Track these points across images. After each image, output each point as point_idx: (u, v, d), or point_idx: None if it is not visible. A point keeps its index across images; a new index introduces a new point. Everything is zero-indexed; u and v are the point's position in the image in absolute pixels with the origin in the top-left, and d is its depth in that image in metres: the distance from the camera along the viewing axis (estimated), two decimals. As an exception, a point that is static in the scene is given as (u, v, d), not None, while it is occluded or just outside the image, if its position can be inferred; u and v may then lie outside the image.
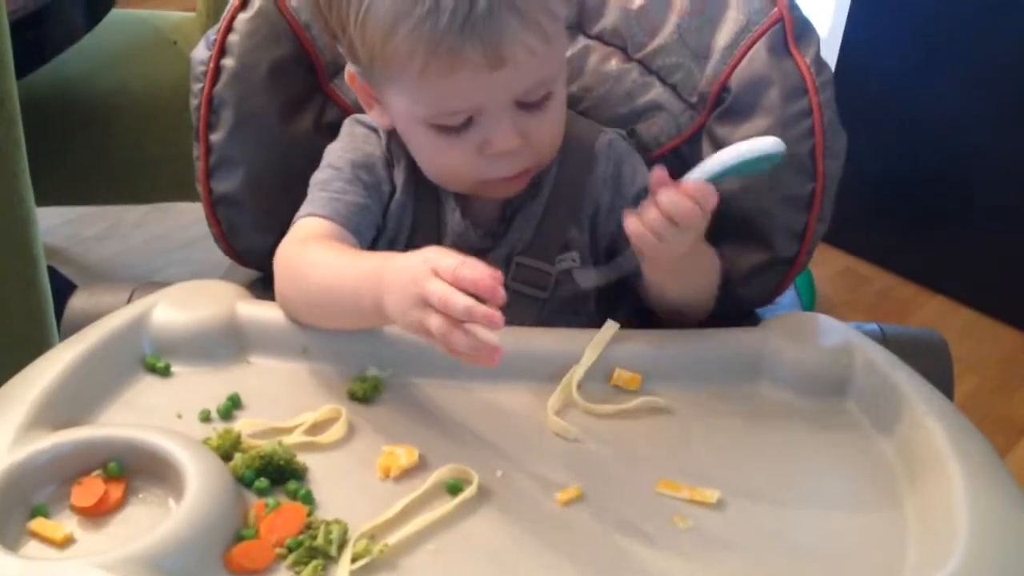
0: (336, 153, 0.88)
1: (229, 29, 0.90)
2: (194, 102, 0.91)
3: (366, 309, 0.72)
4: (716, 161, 0.74)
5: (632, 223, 0.76)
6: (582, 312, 0.91)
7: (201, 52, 0.91)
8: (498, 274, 0.65)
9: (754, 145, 0.73)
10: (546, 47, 0.76)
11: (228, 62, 0.90)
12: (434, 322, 0.65)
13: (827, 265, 2.09)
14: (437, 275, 0.65)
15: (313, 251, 0.80)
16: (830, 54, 1.57)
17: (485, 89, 0.75)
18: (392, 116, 0.83)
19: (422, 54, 0.73)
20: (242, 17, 0.90)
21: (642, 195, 0.88)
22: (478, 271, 0.65)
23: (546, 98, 0.80)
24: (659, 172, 0.75)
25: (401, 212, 0.88)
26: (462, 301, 0.64)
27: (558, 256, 0.89)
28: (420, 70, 0.74)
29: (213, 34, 0.90)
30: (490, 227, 0.89)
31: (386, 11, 0.73)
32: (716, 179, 0.75)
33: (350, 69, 0.84)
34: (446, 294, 0.64)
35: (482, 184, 0.83)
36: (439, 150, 0.81)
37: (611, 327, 0.79)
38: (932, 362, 0.82)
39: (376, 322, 0.77)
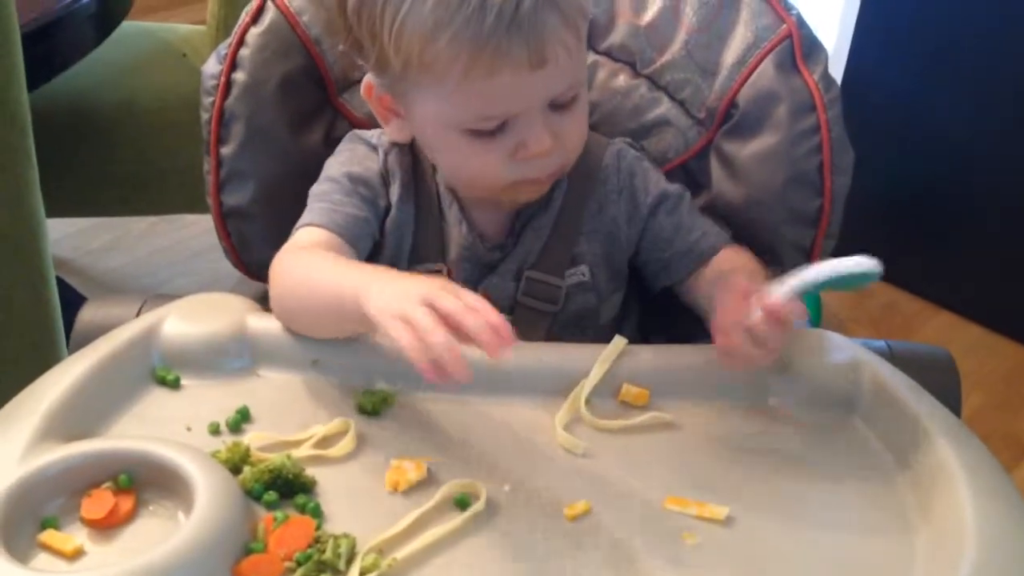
0: (334, 167, 0.89)
1: (240, 43, 0.91)
2: (205, 116, 0.92)
3: (346, 305, 0.71)
4: (811, 275, 0.72)
5: (722, 350, 0.74)
6: (589, 328, 0.91)
7: (212, 66, 0.92)
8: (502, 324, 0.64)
9: (852, 264, 0.72)
10: (580, 46, 0.78)
11: (239, 76, 0.91)
12: (420, 315, 0.64)
13: (832, 279, 2.08)
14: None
15: (308, 260, 0.81)
16: (836, 69, 1.58)
17: (525, 90, 0.76)
18: (419, 125, 0.83)
19: (466, 56, 0.73)
20: (253, 31, 0.91)
21: (658, 203, 0.89)
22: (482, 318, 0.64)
23: (574, 100, 0.80)
24: (745, 287, 0.73)
25: (398, 229, 0.88)
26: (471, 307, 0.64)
27: (568, 270, 0.89)
28: (463, 73, 0.74)
29: (224, 48, 0.91)
30: (498, 240, 0.89)
31: (426, 16, 0.73)
32: (806, 293, 0.73)
33: (369, 81, 0.84)
34: (453, 305, 0.64)
35: (512, 187, 0.83)
36: (472, 155, 0.80)
37: (619, 342, 0.79)
38: (940, 379, 0.82)
39: (353, 320, 0.72)
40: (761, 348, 0.72)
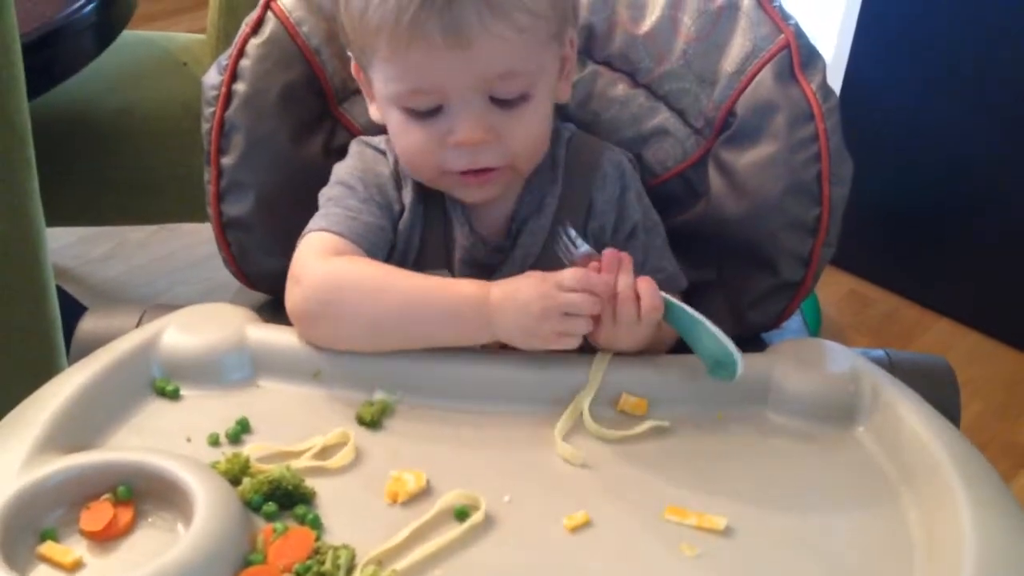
0: (347, 171, 0.88)
1: (241, 54, 0.91)
2: (206, 126, 0.92)
3: (470, 328, 0.76)
4: (697, 313, 0.76)
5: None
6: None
7: (213, 77, 0.92)
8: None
9: (727, 341, 0.75)
10: (519, 38, 0.77)
11: (240, 87, 0.91)
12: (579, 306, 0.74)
13: (832, 287, 2.09)
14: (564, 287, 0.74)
15: (370, 267, 0.80)
16: (834, 79, 1.58)
17: (446, 68, 0.77)
18: (376, 101, 0.85)
19: (387, 27, 0.75)
20: (254, 42, 0.91)
21: (633, 230, 0.90)
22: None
23: (523, 99, 0.80)
24: (618, 255, 0.77)
25: (410, 230, 0.88)
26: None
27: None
28: (386, 43, 0.76)
29: (225, 59, 0.91)
30: (498, 243, 0.89)
31: None
32: (674, 312, 0.77)
33: (354, 62, 0.86)
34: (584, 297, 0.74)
35: (448, 176, 0.83)
36: (408, 135, 0.82)
37: (605, 355, 0.79)
38: (939, 389, 0.82)
39: (464, 340, 0.78)
40: (605, 310, 0.75)
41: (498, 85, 0.78)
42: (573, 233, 0.80)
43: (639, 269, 0.88)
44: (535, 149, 0.85)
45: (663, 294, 0.76)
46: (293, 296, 0.80)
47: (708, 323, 0.75)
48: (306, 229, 0.85)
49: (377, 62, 0.80)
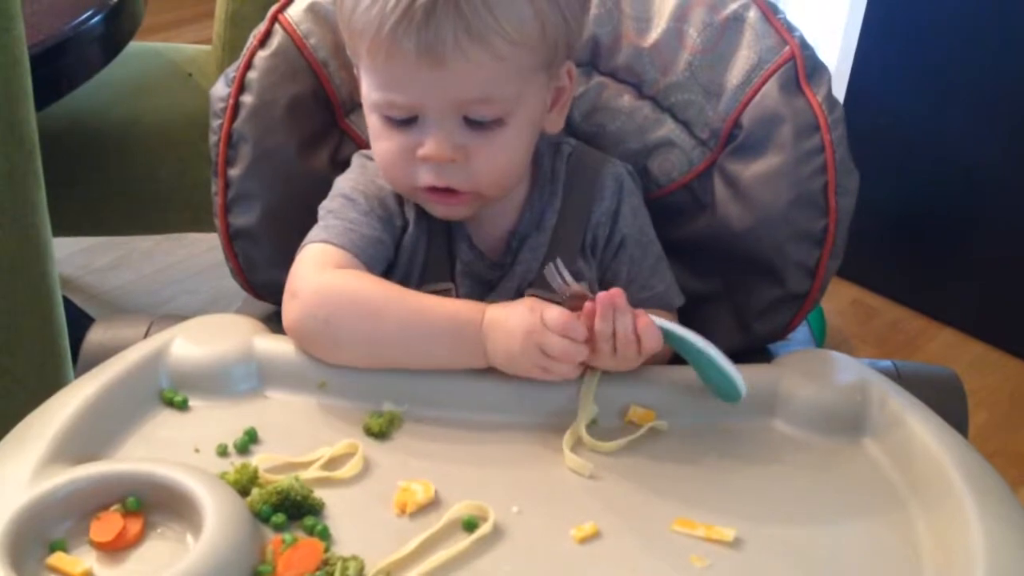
0: (348, 184, 0.88)
1: (248, 66, 0.91)
2: (213, 138, 0.92)
3: (466, 354, 0.77)
4: (690, 332, 0.76)
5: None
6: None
7: (220, 89, 0.92)
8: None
9: (728, 367, 0.75)
10: (496, 65, 0.76)
11: (247, 98, 0.91)
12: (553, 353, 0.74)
13: (837, 297, 2.09)
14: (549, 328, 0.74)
15: (369, 283, 0.80)
16: (838, 88, 1.58)
17: (420, 85, 0.77)
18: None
19: (368, 35, 0.76)
20: (261, 54, 0.92)
21: (622, 244, 0.90)
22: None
23: (497, 123, 0.80)
24: (615, 295, 0.76)
25: (414, 244, 0.88)
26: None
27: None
28: (367, 51, 0.77)
29: (232, 71, 0.92)
30: (497, 258, 0.90)
31: None
32: (674, 342, 0.77)
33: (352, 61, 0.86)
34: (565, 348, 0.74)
35: (416, 190, 0.84)
36: (382, 140, 0.82)
37: (594, 373, 0.79)
38: (946, 400, 0.82)
39: (460, 364, 0.78)
40: (606, 343, 0.75)
41: (472, 108, 0.78)
42: (564, 270, 0.79)
43: (625, 284, 0.89)
44: (504, 176, 0.84)
45: (662, 323, 0.76)
46: (290, 311, 0.80)
47: (709, 350, 0.75)
48: (304, 241, 0.84)
49: (362, 66, 0.81)
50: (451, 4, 0.73)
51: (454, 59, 0.74)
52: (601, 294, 0.75)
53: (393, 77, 0.78)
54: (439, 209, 0.85)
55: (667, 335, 0.76)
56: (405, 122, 0.80)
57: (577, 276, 0.89)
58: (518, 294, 0.88)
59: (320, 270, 0.81)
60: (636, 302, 0.82)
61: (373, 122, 0.83)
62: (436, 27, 0.73)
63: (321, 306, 0.78)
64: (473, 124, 0.79)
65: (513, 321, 0.75)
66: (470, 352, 0.77)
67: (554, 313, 0.74)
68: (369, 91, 0.81)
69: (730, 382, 0.75)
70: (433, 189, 0.82)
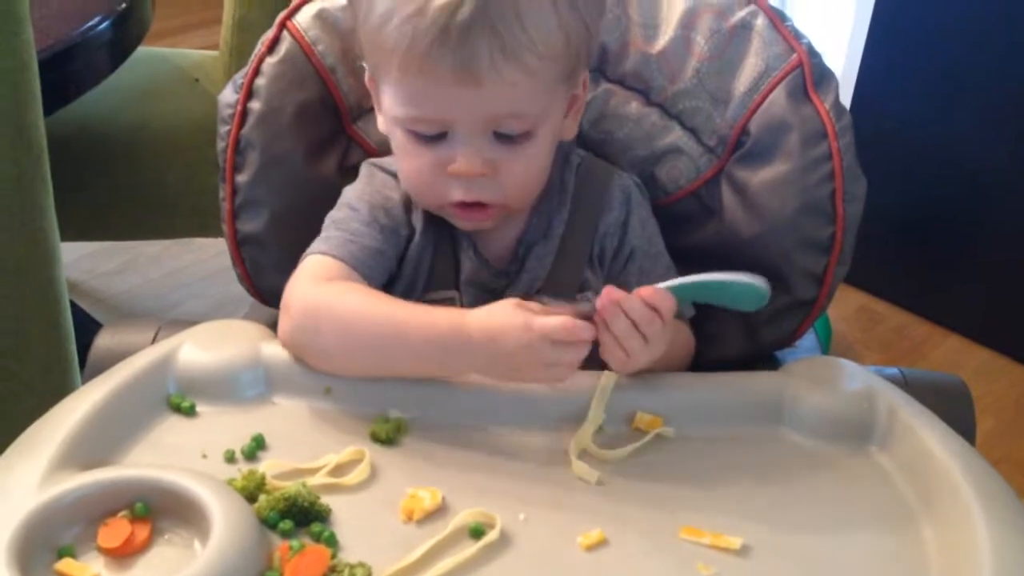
0: (355, 194, 0.89)
1: (256, 73, 0.92)
2: (221, 144, 0.93)
3: (448, 365, 0.76)
4: (696, 278, 0.76)
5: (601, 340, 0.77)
6: (596, 354, 0.91)
7: (228, 95, 0.92)
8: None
9: (738, 276, 0.76)
10: (528, 81, 0.76)
11: (255, 105, 0.91)
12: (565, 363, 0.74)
13: (843, 303, 2.09)
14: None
15: (351, 296, 0.80)
16: (844, 94, 1.58)
17: (454, 103, 0.77)
18: (383, 120, 0.85)
19: (400, 52, 0.75)
20: (269, 61, 0.92)
21: (631, 255, 0.90)
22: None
23: (525, 137, 0.80)
24: (610, 291, 0.76)
25: (420, 253, 0.89)
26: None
27: (576, 296, 0.89)
28: (399, 68, 0.76)
29: (240, 78, 0.92)
30: (503, 266, 0.90)
31: (384, 3, 0.75)
32: (684, 292, 0.77)
33: (368, 73, 0.86)
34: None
35: (440, 205, 0.84)
36: (410, 157, 0.82)
37: (610, 376, 0.79)
38: (953, 407, 0.82)
39: (447, 375, 0.78)
40: (635, 339, 0.75)
41: (503, 123, 0.79)
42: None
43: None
44: (531, 187, 0.85)
45: (663, 285, 0.76)
46: (282, 324, 0.81)
47: (713, 277, 0.76)
48: (305, 252, 0.85)
49: (388, 81, 0.80)
50: (487, 23, 0.73)
51: (489, 78, 0.74)
52: (597, 302, 0.75)
53: (424, 94, 0.77)
54: (465, 223, 0.85)
55: (675, 292, 0.76)
56: (433, 138, 0.80)
57: (584, 285, 0.89)
58: (526, 302, 0.88)
59: (312, 283, 0.81)
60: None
61: (398, 137, 0.82)
62: (472, 46, 0.73)
63: (308, 319, 0.79)
64: (502, 138, 0.79)
65: (510, 340, 0.73)
66: (452, 367, 0.76)
67: (555, 325, 0.72)
68: (394, 106, 0.80)
69: (751, 290, 0.75)
70: (462, 204, 0.82)
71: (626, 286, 0.89)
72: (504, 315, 0.73)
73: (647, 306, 0.75)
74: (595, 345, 0.90)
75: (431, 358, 0.76)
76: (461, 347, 0.74)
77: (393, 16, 0.75)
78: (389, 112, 0.82)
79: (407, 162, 0.83)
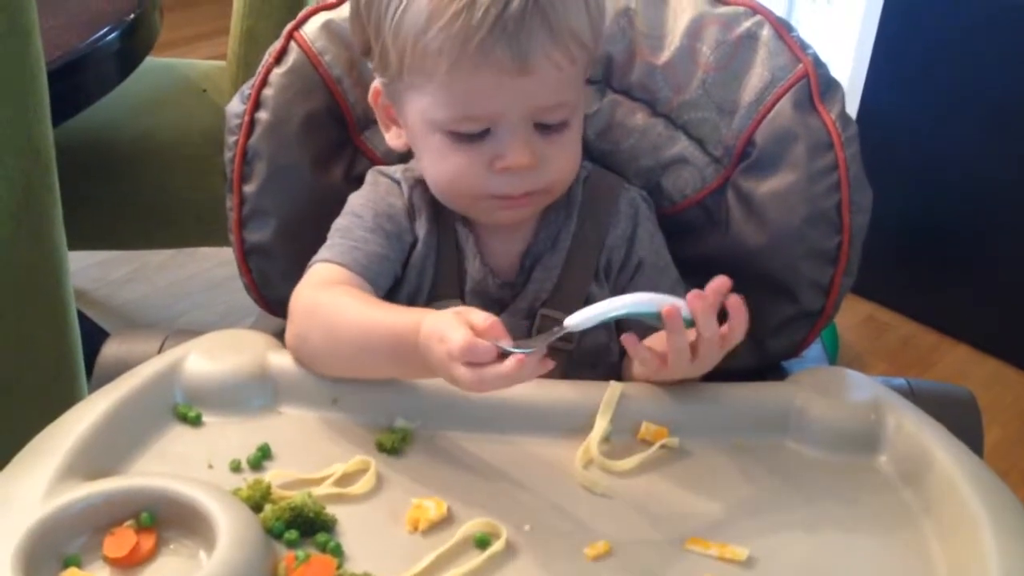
0: (359, 201, 0.89)
1: (264, 83, 0.92)
2: (228, 154, 0.93)
3: (410, 363, 0.74)
4: (618, 303, 0.74)
5: (644, 365, 0.78)
6: (602, 365, 0.91)
7: (236, 106, 0.93)
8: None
9: (642, 306, 0.74)
10: (571, 67, 0.78)
11: (262, 115, 0.92)
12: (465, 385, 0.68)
13: (850, 313, 2.08)
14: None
15: (340, 299, 0.81)
16: (850, 103, 1.58)
17: (507, 95, 0.77)
18: (409, 128, 0.85)
19: (452, 50, 0.75)
20: (277, 72, 0.92)
21: (639, 267, 0.90)
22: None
23: (564, 125, 0.81)
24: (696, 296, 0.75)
25: (423, 263, 0.89)
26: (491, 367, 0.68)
27: (582, 308, 0.89)
28: (448, 68, 0.76)
29: (248, 88, 0.92)
30: (509, 277, 0.90)
31: (422, 8, 0.75)
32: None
33: (376, 85, 0.86)
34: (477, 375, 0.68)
35: (485, 200, 0.83)
36: (452, 159, 0.82)
37: (616, 387, 0.79)
38: (961, 418, 0.82)
39: (417, 376, 0.78)
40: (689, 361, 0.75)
41: (546, 113, 0.80)
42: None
43: None
44: (571, 174, 0.86)
45: (578, 319, 0.73)
46: (288, 333, 0.82)
47: (620, 310, 0.74)
48: (311, 261, 0.85)
49: (424, 87, 0.79)
50: (537, 10, 0.74)
51: (541, 65, 0.76)
52: (694, 295, 0.73)
53: (477, 90, 0.77)
54: (508, 215, 0.85)
55: (602, 319, 0.73)
56: (476, 136, 0.80)
57: (591, 297, 0.89)
58: (530, 314, 0.88)
59: (312, 289, 0.82)
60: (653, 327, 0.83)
61: (436, 142, 0.81)
62: (528, 34, 0.75)
63: (302, 324, 0.80)
64: (542, 128, 0.80)
65: (435, 351, 0.70)
66: (409, 363, 0.74)
67: (458, 338, 0.67)
68: (436, 109, 0.80)
69: (649, 315, 0.74)
70: (508, 197, 0.82)
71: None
72: (440, 323, 0.70)
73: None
74: (608, 352, 0.91)
75: (393, 360, 0.76)
76: (411, 350, 0.72)
77: (437, 18, 0.75)
78: (426, 117, 0.81)
79: (447, 165, 0.82)
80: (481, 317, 0.69)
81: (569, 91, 0.80)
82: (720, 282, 0.75)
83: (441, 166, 0.83)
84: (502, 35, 0.74)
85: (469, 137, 0.80)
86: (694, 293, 0.74)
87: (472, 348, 0.67)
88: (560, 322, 0.87)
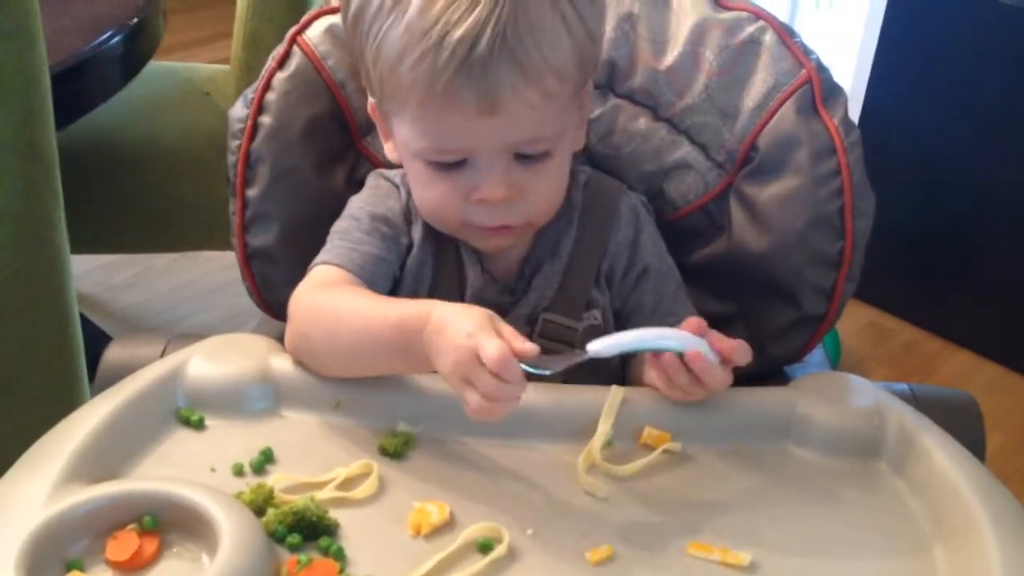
0: (357, 204, 0.89)
1: (267, 88, 0.92)
2: (231, 158, 0.93)
3: (411, 358, 0.73)
4: (631, 339, 0.74)
5: (661, 382, 0.78)
6: (603, 371, 0.91)
7: (239, 110, 0.93)
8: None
9: (662, 339, 0.75)
10: (547, 103, 0.76)
11: (265, 119, 0.92)
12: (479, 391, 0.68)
13: (852, 319, 2.08)
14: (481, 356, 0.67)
15: (340, 295, 0.81)
16: (853, 108, 1.59)
17: (477, 133, 0.76)
18: (398, 147, 0.84)
19: (420, 89, 0.74)
20: (280, 76, 0.92)
21: (645, 272, 0.90)
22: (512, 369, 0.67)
23: (546, 155, 0.80)
24: (694, 323, 0.75)
25: (419, 268, 0.89)
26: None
27: (583, 314, 0.89)
28: (417, 104, 0.76)
29: (251, 92, 0.93)
30: (509, 283, 0.90)
31: (395, 41, 0.74)
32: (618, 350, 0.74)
33: (371, 99, 0.86)
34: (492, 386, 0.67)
35: (465, 228, 0.83)
36: (431, 186, 0.81)
37: (618, 392, 0.79)
38: (963, 424, 0.82)
39: (414, 368, 0.77)
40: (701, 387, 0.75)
41: (524, 146, 0.78)
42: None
43: (650, 312, 0.89)
44: (554, 203, 0.85)
45: (602, 346, 0.72)
46: (287, 334, 0.82)
47: (644, 344, 0.74)
48: (311, 264, 0.86)
49: (402, 115, 0.79)
50: (505, 50, 0.72)
51: (511, 104, 0.74)
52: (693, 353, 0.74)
53: (447, 127, 0.77)
54: (490, 243, 0.85)
55: (625, 348, 0.74)
56: (454, 165, 0.79)
57: (592, 303, 0.89)
58: (532, 319, 0.88)
59: (311, 290, 0.82)
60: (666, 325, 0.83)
61: (417, 169, 0.82)
62: (495, 76, 0.73)
63: (303, 323, 0.80)
64: (523, 159, 0.79)
65: (447, 339, 0.69)
66: (417, 362, 0.74)
67: (491, 348, 0.66)
68: (413, 140, 0.79)
69: (675, 350, 0.75)
70: (487, 227, 0.82)
71: (641, 304, 0.90)
72: (467, 313, 0.70)
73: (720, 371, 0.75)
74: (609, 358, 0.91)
75: (393, 350, 0.75)
76: (417, 332, 0.72)
77: (407, 55, 0.74)
78: (407, 145, 0.81)
79: (428, 193, 0.82)
80: (511, 331, 0.69)
81: (546, 126, 0.78)
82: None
83: (423, 192, 0.83)
84: (468, 77, 0.72)
85: (447, 166, 0.79)
86: (717, 338, 0.74)
87: (507, 363, 0.66)
88: (567, 328, 0.87)
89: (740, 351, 0.75)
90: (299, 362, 0.81)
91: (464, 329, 0.68)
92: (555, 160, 0.81)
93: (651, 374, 0.79)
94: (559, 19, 0.75)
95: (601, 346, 0.72)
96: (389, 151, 0.88)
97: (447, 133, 0.77)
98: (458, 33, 0.71)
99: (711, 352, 0.74)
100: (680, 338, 0.74)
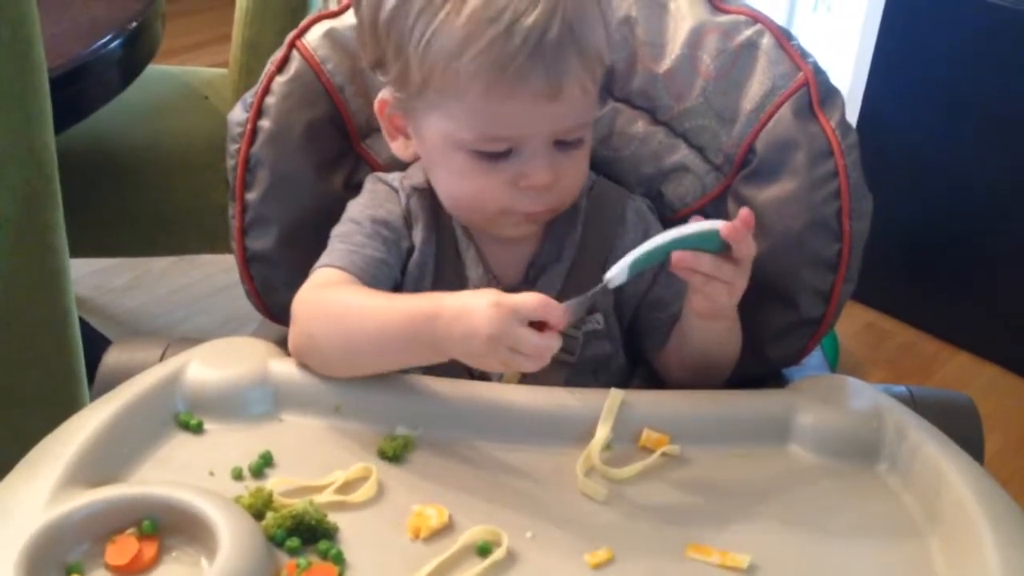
0: (357, 208, 0.89)
1: (266, 92, 0.92)
2: (231, 162, 0.93)
3: (422, 349, 0.75)
4: (658, 240, 0.76)
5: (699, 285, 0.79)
6: (603, 374, 0.91)
7: (238, 114, 0.93)
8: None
9: (692, 228, 0.76)
10: (593, 90, 0.80)
11: (265, 123, 0.92)
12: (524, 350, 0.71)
13: (850, 321, 2.08)
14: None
15: (345, 293, 0.81)
16: (850, 112, 1.59)
17: (537, 119, 0.78)
18: (427, 144, 0.84)
19: (487, 76, 0.76)
20: (279, 80, 0.93)
21: (659, 270, 0.90)
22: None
23: (580, 142, 0.83)
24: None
25: (420, 271, 0.89)
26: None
27: (585, 317, 0.89)
28: (482, 91, 0.76)
29: (250, 96, 0.93)
30: (512, 286, 0.90)
31: (454, 32, 0.75)
32: (647, 260, 0.76)
33: (384, 97, 0.86)
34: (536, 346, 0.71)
35: (505, 216, 0.84)
36: (474, 177, 0.82)
37: (616, 395, 0.79)
38: (962, 426, 0.82)
39: (424, 361, 0.78)
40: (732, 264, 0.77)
41: (569, 132, 0.81)
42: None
43: (671, 301, 0.90)
44: (579, 190, 0.87)
45: (623, 264, 0.75)
46: (290, 334, 0.82)
47: (667, 238, 0.75)
48: (313, 267, 0.86)
49: (450, 108, 0.79)
50: (569, 34, 0.75)
51: (572, 89, 0.77)
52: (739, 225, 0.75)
53: (508, 114, 0.78)
54: (523, 228, 0.87)
55: (635, 265, 0.75)
56: (499, 155, 0.80)
57: (594, 307, 0.90)
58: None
59: (313, 291, 0.83)
60: (671, 318, 0.88)
61: (458, 160, 0.82)
62: (564, 61, 0.76)
63: (308, 323, 0.81)
64: (561, 145, 0.81)
65: (476, 317, 0.71)
66: (431, 351, 0.75)
67: (526, 301, 0.70)
68: (458, 130, 0.80)
69: (707, 237, 0.75)
70: (529, 212, 0.84)
71: (660, 299, 0.91)
72: (477, 295, 0.73)
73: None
74: (609, 362, 0.91)
75: (409, 342, 0.76)
76: (433, 326, 0.73)
77: (471, 44, 0.75)
78: (448, 136, 0.81)
79: (469, 183, 0.83)
80: (521, 296, 0.72)
81: (589, 112, 0.83)
82: (747, 213, 0.76)
83: (461, 183, 0.84)
84: (540, 61, 0.75)
85: (493, 156, 0.81)
86: (730, 225, 0.76)
87: (548, 303, 0.70)
88: (569, 333, 0.87)
89: (744, 216, 0.76)
90: (302, 364, 0.81)
91: (485, 303, 0.71)
92: (585, 147, 0.84)
93: (692, 299, 0.81)
94: (598, 9, 0.79)
95: (616, 270, 0.74)
96: (399, 148, 0.88)
97: (508, 119, 0.79)
98: (530, 20, 0.74)
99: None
100: (688, 228, 0.75)
